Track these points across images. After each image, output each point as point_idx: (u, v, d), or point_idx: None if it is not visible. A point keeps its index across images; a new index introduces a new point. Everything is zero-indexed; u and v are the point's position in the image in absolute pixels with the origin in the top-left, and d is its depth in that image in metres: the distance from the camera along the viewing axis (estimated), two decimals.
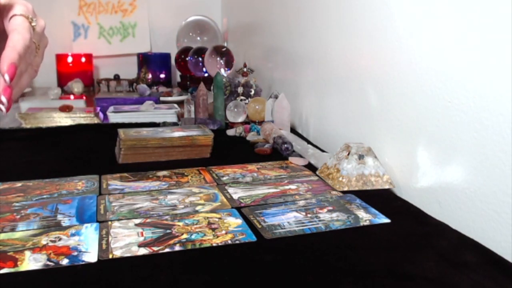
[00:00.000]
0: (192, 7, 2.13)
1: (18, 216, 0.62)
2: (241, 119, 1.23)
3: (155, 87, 1.79)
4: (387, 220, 0.63)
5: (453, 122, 0.64)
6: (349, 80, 0.95)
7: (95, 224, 0.60)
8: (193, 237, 0.57)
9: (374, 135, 0.86)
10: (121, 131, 0.92)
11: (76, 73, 1.91)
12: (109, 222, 0.61)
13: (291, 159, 0.92)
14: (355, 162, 0.76)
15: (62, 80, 1.90)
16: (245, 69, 1.32)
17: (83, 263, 0.50)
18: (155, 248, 0.54)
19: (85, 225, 0.60)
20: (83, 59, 1.95)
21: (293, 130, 1.19)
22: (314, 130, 1.15)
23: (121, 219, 0.62)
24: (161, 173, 0.82)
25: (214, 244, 0.55)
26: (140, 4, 2.14)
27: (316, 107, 1.14)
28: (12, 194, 0.71)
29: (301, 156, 0.93)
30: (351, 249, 0.54)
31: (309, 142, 1.04)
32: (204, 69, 1.68)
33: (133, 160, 0.89)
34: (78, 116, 1.26)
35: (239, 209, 0.66)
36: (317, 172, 0.83)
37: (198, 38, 1.97)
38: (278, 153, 0.96)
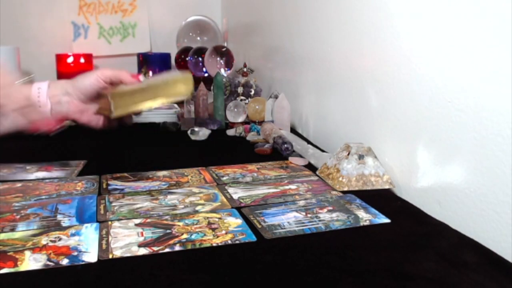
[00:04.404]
0: (192, 7, 2.13)
1: (18, 216, 0.62)
2: (241, 119, 1.23)
3: None
4: (387, 220, 0.63)
5: (453, 122, 0.64)
6: (349, 80, 0.95)
7: (95, 224, 0.60)
8: (193, 237, 0.57)
9: (374, 135, 0.86)
10: (108, 94, 0.84)
11: (76, 73, 1.89)
12: (109, 222, 0.61)
13: (291, 159, 0.92)
14: (355, 162, 0.76)
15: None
16: (245, 69, 1.32)
17: (83, 263, 0.50)
18: (155, 248, 0.54)
19: (85, 225, 0.60)
20: (83, 59, 1.95)
21: (293, 130, 1.19)
22: (314, 130, 1.15)
23: (121, 219, 0.62)
24: (161, 173, 0.82)
25: (214, 244, 0.55)
26: (140, 4, 2.14)
27: (316, 107, 1.14)
28: (12, 194, 0.71)
29: (301, 156, 0.93)
30: (351, 249, 0.54)
31: (309, 142, 1.04)
32: (204, 69, 1.68)
33: (125, 110, 0.80)
34: None
35: (239, 209, 0.66)
36: (317, 172, 0.83)
37: (198, 38, 1.96)
38: (278, 153, 0.96)
